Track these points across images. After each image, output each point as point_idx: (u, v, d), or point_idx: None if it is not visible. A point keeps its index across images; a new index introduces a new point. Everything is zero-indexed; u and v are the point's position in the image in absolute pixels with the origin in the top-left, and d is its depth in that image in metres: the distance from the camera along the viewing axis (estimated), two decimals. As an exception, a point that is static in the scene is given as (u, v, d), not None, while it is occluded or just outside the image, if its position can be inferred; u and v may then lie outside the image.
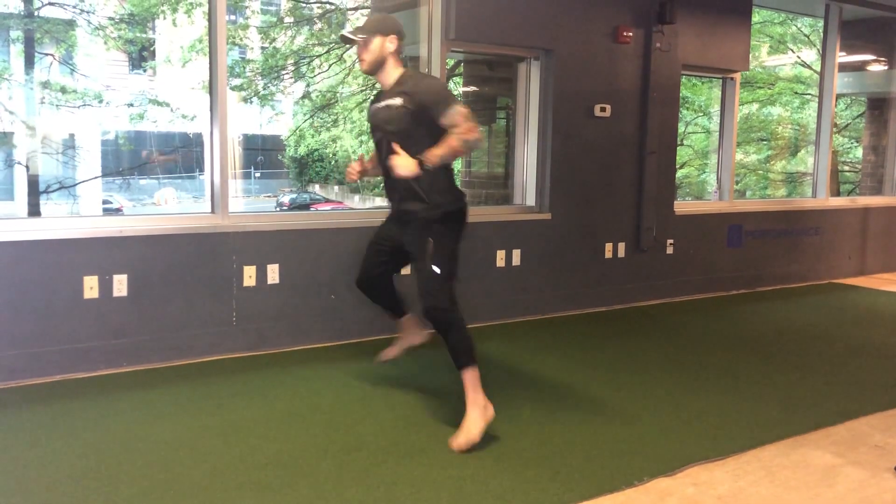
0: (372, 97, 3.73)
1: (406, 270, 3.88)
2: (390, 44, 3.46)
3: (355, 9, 11.79)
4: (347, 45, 3.58)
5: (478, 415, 3.33)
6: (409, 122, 3.36)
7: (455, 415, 3.65)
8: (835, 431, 3.56)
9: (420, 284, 3.41)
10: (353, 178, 3.73)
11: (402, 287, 3.94)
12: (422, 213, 3.42)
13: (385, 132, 3.45)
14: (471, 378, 3.39)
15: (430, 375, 4.28)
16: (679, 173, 11.05)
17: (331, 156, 14.80)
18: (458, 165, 9.16)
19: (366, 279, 3.84)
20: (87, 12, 9.41)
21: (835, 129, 8.98)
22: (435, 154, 3.27)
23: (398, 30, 3.49)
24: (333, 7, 11.92)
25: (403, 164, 3.28)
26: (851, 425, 3.64)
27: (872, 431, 3.57)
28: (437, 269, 3.35)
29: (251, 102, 11.79)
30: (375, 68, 3.48)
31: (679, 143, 7.95)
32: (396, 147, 3.32)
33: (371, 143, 3.68)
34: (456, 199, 3.50)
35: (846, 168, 12.99)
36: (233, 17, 11.77)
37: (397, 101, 3.39)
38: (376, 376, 4.24)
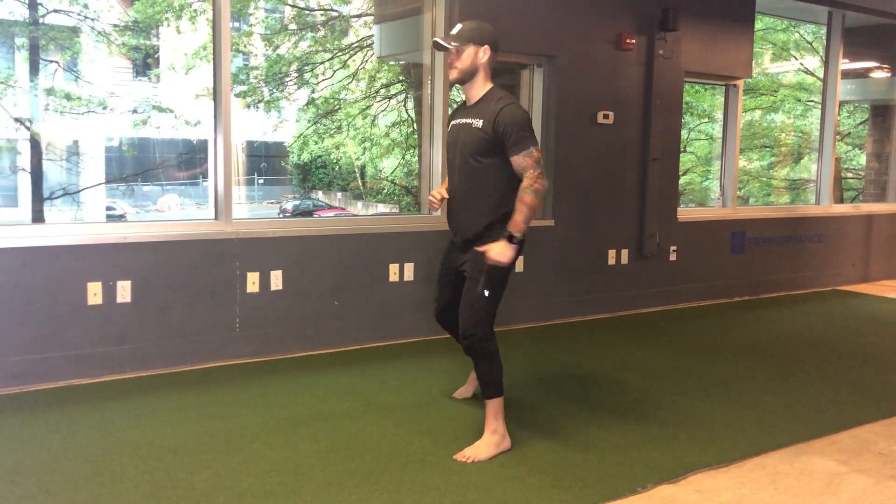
0: (455, 108, 3.60)
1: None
2: (483, 55, 3.34)
3: (358, 16, 11.83)
4: (437, 51, 3.42)
5: (493, 442, 3.28)
6: (485, 149, 3.29)
7: (457, 421, 3.65)
8: (839, 439, 3.55)
9: (464, 306, 3.33)
10: (435, 206, 3.60)
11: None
12: (486, 235, 3.32)
13: (458, 152, 3.38)
14: (494, 407, 3.33)
15: (433, 382, 4.28)
16: (682, 180, 11.05)
17: (334, 162, 14.82)
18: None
19: (442, 310, 3.66)
20: (92, 19, 9.44)
21: (838, 136, 8.98)
22: (518, 224, 3.19)
23: (493, 41, 3.37)
24: (337, 14, 11.96)
25: (501, 253, 3.18)
26: (855, 433, 3.63)
27: (877, 439, 3.56)
28: (486, 293, 3.28)
29: (256, 109, 11.82)
30: (465, 78, 3.36)
31: (682, 149, 7.96)
32: (488, 250, 3.19)
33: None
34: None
35: (849, 175, 12.97)
36: (237, 25, 11.81)
37: (478, 122, 3.29)
38: (379, 383, 4.24)
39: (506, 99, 3.30)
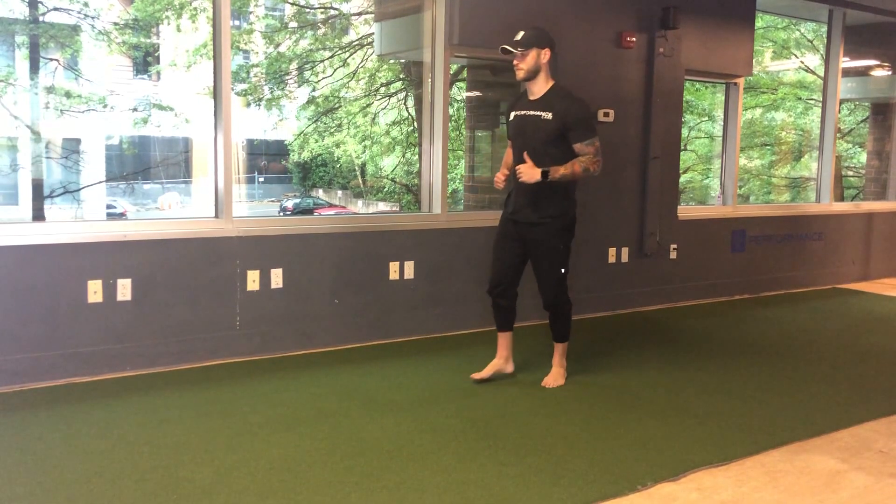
0: (515, 99, 4.13)
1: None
2: (544, 56, 3.89)
3: (359, 14, 11.82)
4: (504, 55, 3.96)
5: (562, 373, 4.26)
6: (554, 136, 3.86)
7: (458, 419, 3.66)
8: (839, 437, 3.55)
9: (544, 282, 4.07)
10: (500, 185, 4.10)
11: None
12: (554, 217, 3.98)
13: (527, 140, 3.93)
14: (562, 349, 4.30)
15: (434, 380, 4.28)
16: (682, 178, 11.05)
17: (335, 160, 14.82)
18: (461, 170, 9.18)
19: (500, 281, 4.19)
20: (92, 17, 9.44)
21: (838, 134, 8.98)
22: (559, 171, 3.80)
23: (552, 43, 3.93)
24: (337, 12, 11.95)
25: (529, 173, 3.80)
26: (855, 431, 3.63)
27: (877, 437, 3.56)
28: (563, 270, 4.05)
29: (256, 107, 11.81)
30: (530, 76, 3.90)
31: (682, 147, 7.96)
32: (525, 156, 3.83)
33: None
34: (574, 205, 4.09)
35: (850, 173, 12.97)
36: (237, 23, 11.80)
37: (548, 115, 3.85)
38: (379, 381, 4.24)
39: (571, 96, 3.91)
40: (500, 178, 4.11)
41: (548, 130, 3.86)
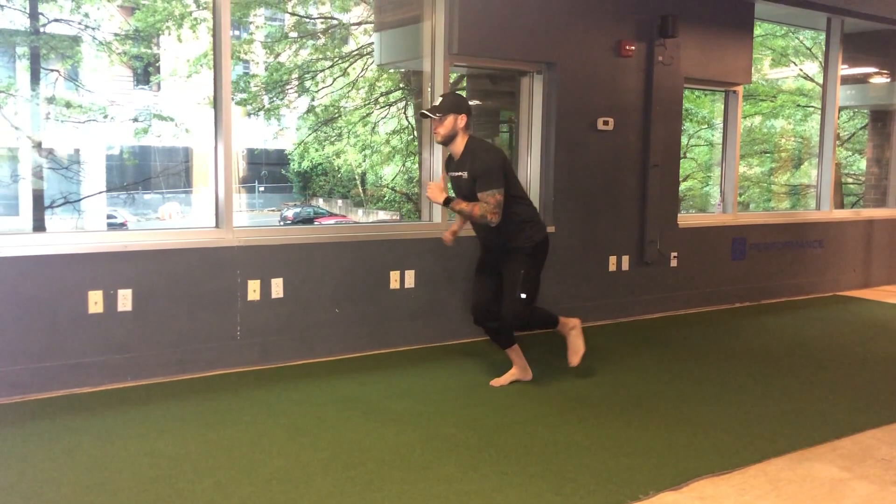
0: (446, 161, 4.39)
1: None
2: (461, 121, 4.11)
3: (358, 24, 11.86)
4: (422, 118, 4.33)
5: (578, 346, 4.44)
6: (474, 189, 4.08)
7: (460, 429, 3.65)
8: (841, 445, 3.54)
9: (506, 305, 4.16)
10: (447, 241, 4.46)
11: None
12: (517, 247, 4.16)
13: (461, 194, 4.17)
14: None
15: (435, 389, 4.28)
16: (682, 186, 11.04)
17: (335, 170, 14.83)
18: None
19: (481, 307, 4.31)
20: (93, 28, 9.46)
21: (838, 142, 8.98)
22: (460, 204, 4.05)
23: (468, 109, 4.16)
24: (337, 22, 11.99)
25: (433, 192, 4.10)
26: (858, 438, 3.63)
27: (879, 445, 3.55)
28: (523, 295, 4.14)
29: (256, 117, 11.83)
30: (448, 140, 4.14)
31: (682, 155, 7.97)
32: (442, 179, 4.21)
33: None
34: (541, 229, 4.25)
35: (850, 180, 12.98)
36: (237, 33, 11.83)
37: (465, 174, 4.09)
38: (380, 390, 4.23)
39: (479, 150, 4.12)
40: (448, 238, 4.46)
41: (469, 186, 4.09)
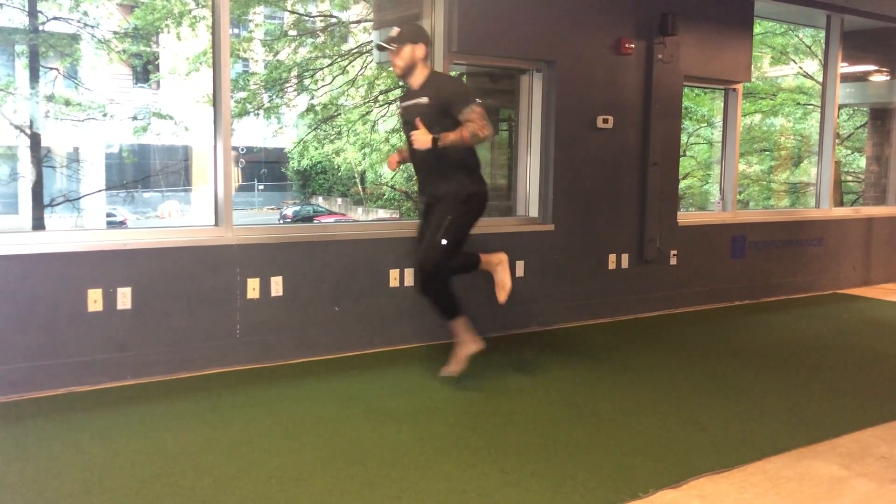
0: (401, 95, 4.27)
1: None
2: (419, 51, 3.99)
3: (357, 22, 11.85)
4: (379, 52, 4.25)
5: (505, 282, 4.26)
6: (435, 115, 3.91)
7: (459, 427, 3.65)
8: (840, 443, 3.54)
9: (423, 248, 4.04)
10: (393, 167, 4.36)
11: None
12: (450, 191, 4.01)
13: (412, 127, 3.94)
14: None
15: (435, 388, 4.27)
16: (682, 184, 11.04)
17: (334, 168, 14.83)
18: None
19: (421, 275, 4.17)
20: (92, 26, 9.46)
21: (837, 140, 8.98)
22: (448, 137, 3.83)
23: (426, 38, 4.04)
24: (336, 20, 11.98)
25: (420, 139, 3.86)
26: (857, 436, 3.63)
27: (878, 443, 3.56)
28: (444, 241, 3.97)
29: (256, 115, 11.83)
30: (406, 72, 4.02)
31: (682, 153, 7.96)
32: (418, 122, 3.88)
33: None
34: (478, 183, 4.11)
35: (849, 178, 12.98)
36: (236, 31, 11.82)
37: (424, 99, 3.94)
38: (380, 388, 4.23)
39: (443, 76, 4.03)
40: (392, 158, 4.37)
41: (428, 113, 3.93)
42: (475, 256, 4.24)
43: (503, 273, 4.28)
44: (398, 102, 4.31)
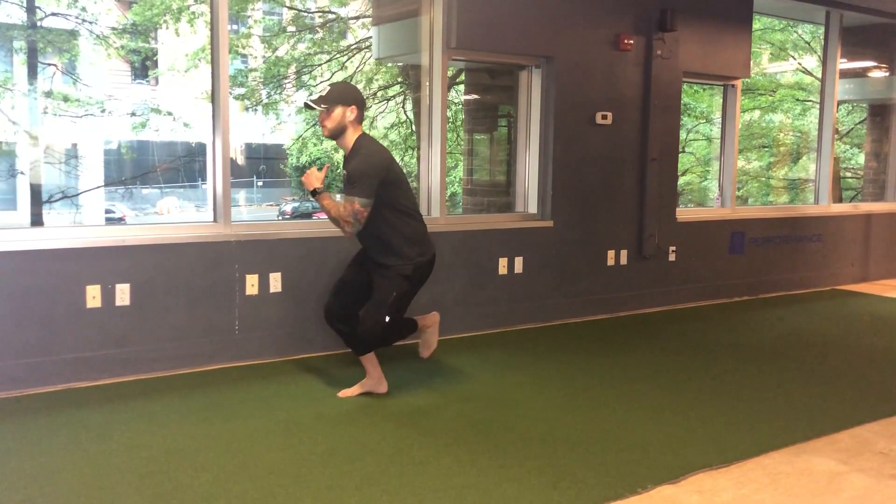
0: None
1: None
2: (350, 113, 3.73)
3: (356, 18, 11.83)
4: (310, 108, 3.81)
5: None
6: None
7: (457, 423, 3.65)
8: (839, 438, 3.55)
9: (367, 313, 3.83)
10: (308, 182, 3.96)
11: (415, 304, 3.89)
12: (394, 265, 3.80)
13: None
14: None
15: (432, 384, 4.28)
16: (681, 180, 11.04)
17: (334, 164, 14.81)
18: (459, 173, 9.18)
19: (334, 308, 4.03)
20: (90, 22, 9.44)
21: (836, 136, 8.98)
22: (327, 198, 3.69)
23: (358, 100, 3.78)
24: (335, 16, 11.96)
25: (307, 179, 3.71)
26: (855, 432, 3.63)
27: (877, 438, 3.56)
28: (387, 318, 3.80)
29: (254, 111, 11.81)
30: (336, 135, 3.77)
31: (681, 150, 7.97)
32: (325, 168, 3.78)
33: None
34: (425, 251, 3.89)
35: (848, 174, 12.98)
36: (235, 27, 11.80)
37: (346, 172, 3.75)
38: (379, 384, 4.23)
39: (363, 148, 3.75)
40: (310, 175, 3.95)
41: (345, 186, 3.77)
42: (413, 322, 4.08)
43: (432, 336, 4.20)
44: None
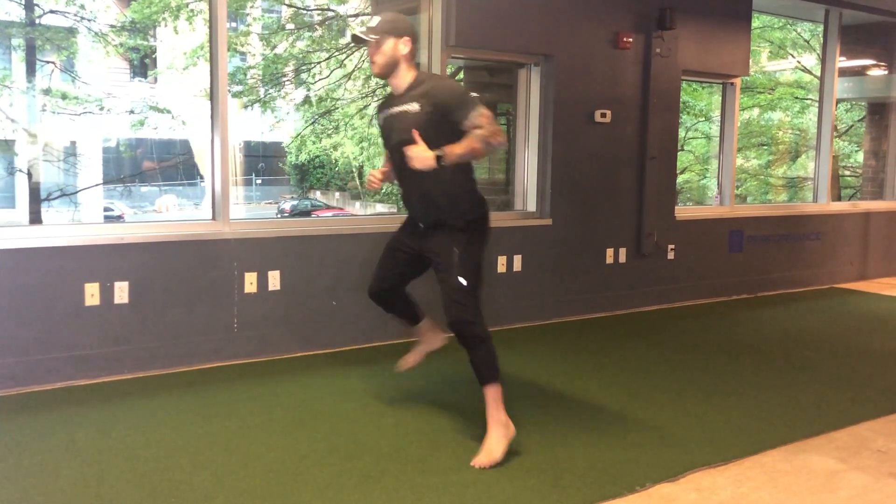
0: (380, 101, 3.52)
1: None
2: (404, 46, 3.23)
3: (356, 15, 11.82)
4: (356, 46, 3.35)
5: (500, 434, 3.20)
6: (431, 125, 3.14)
7: (457, 421, 3.65)
8: (837, 437, 3.55)
9: (445, 296, 3.25)
10: (374, 186, 3.52)
11: (415, 292, 3.83)
12: (446, 221, 3.28)
13: (401, 140, 3.18)
14: (493, 394, 3.23)
15: (432, 382, 4.28)
16: (680, 178, 11.04)
17: (332, 162, 14.80)
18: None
19: (378, 289, 3.62)
20: (89, 20, 9.43)
21: (835, 134, 8.98)
22: (454, 151, 3.05)
23: (412, 31, 3.28)
24: (334, 14, 11.95)
25: (420, 157, 3.04)
26: (853, 430, 3.63)
27: (875, 436, 3.56)
28: (463, 281, 3.22)
29: (252, 109, 11.81)
30: (388, 71, 3.26)
31: (680, 148, 7.96)
32: (416, 135, 3.08)
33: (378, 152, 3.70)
34: (478, 205, 3.35)
35: (847, 172, 12.98)
36: (233, 24, 11.79)
37: (414, 106, 3.19)
38: (378, 383, 4.24)
39: (434, 76, 3.22)
40: (374, 175, 3.53)
41: (422, 124, 3.14)
42: (416, 311, 3.75)
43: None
44: (376, 112, 3.43)
